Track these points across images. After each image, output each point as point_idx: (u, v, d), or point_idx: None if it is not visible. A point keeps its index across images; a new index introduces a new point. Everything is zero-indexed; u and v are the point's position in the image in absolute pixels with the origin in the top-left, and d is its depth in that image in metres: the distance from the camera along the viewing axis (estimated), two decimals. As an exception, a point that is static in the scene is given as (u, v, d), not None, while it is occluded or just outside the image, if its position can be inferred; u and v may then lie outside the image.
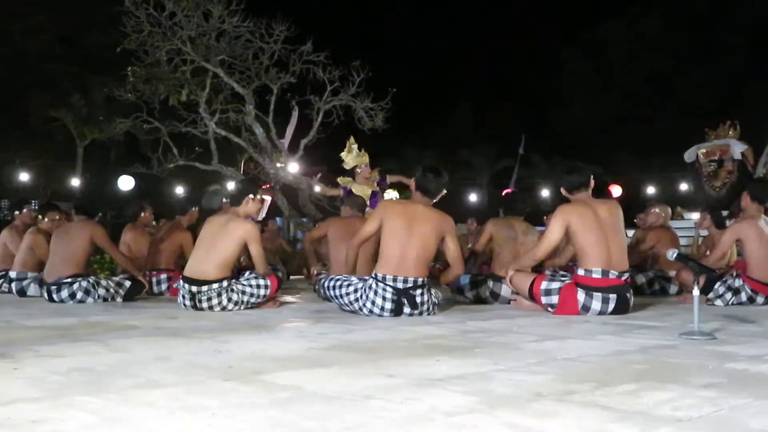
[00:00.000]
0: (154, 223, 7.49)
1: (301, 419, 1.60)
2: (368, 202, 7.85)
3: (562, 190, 4.52)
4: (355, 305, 4.29)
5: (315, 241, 6.41)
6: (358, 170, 8.26)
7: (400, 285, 4.15)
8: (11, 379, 2.13)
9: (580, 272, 4.27)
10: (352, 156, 8.32)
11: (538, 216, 8.10)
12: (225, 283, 4.62)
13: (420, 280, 4.20)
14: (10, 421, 1.58)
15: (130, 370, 2.29)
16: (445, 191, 4.49)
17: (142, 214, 6.93)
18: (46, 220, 6.40)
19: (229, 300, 4.63)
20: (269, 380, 2.09)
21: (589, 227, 4.24)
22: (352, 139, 8.53)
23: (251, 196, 4.89)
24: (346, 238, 5.47)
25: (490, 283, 5.19)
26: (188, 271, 4.69)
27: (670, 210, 7.18)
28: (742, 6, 23.56)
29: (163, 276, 6.40)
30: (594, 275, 4.20)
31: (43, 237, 6.22)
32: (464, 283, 5.26)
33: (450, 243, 4.40)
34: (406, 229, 4.20)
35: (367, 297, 4.21)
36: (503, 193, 5.74)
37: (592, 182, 4.47)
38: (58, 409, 1.71)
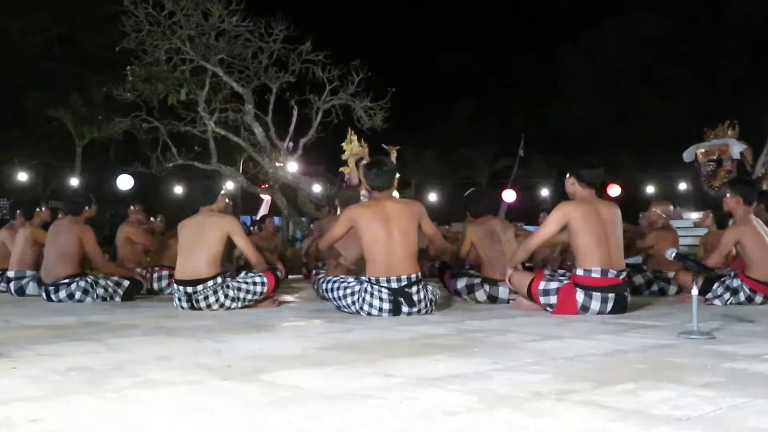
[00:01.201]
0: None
1: (300, 418, 1.60)
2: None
3: (576, 180, 4.43)
4: (353, 308, 4.29)
5: (312, 251, 6.42)
6: (365, 161, 8.31)
7: (394, 285, 4.15)
8: (10, 378, 2.13)
9: (579, 272, 4.27)
10: (352, 147, 8.37)
11: (535, 214, 8.11)
12: (219, 280, 4.61)
13: (414, 276, 4.20)
14: (8, 420, 1.58)
15: (128, 369, 2.29)
16: (398, 176, 4.48)
17: (131, 207, 7.05)
18: (43, 209, 6.44)
19: (226, 296, 4.63)
20: (268, 380, 2.09)
21: (591, 226, 4.24)
22: (351, 131, 8.56)
23: (222, 192, 5.08)
24: (342, 240, 5.47)
25: (487, 287, 5.17)
26: (180, 274, 4.69)
27: (671, 208, 7.15)
28: (741, 6, 23.59)
29: (165, 273, 6.41)
30: (593, 275, 4.20)
31: (40, 231, 6.22)
32: (460, 287, 5.25)
33: (425, 224, 4.46)
34: (385, 231, 4.20)
35: (363, 300, 4.21)
36: (466, 194, 5.63)
37: (599, 184, 4.50)
38: (57, 408, 1.71)
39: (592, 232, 4.23)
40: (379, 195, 4.41)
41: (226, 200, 5.22)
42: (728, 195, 5.28)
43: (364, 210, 4.39)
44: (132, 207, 7.08)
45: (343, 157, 8.52)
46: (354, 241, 5.26)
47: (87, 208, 5.82)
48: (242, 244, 4.81)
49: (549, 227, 4.43)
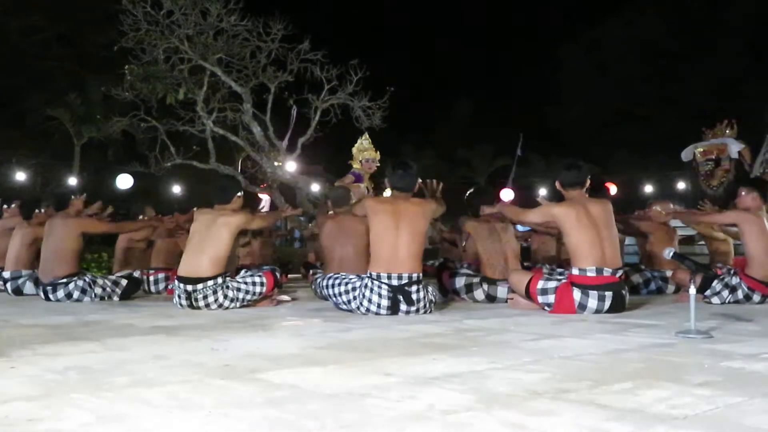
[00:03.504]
0: None
1: (298, 418, 1.61)
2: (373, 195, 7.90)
3: (557, 184, 4.57)
4: (352, 304, 4.30)
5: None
6: (375, 164, 8.30)
7: (394, 282, 4.17)
8: (8, 378, 2.13)
9: (575, 272, 4.29)
10: (357, 150, 8.35)
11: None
12: (220, 280, 4.61)
13: (415, 276, 4.22)
14: (6, 419, 1.58)
15: (126, 368, 2.29)
16: (420, 181, 4.54)
17: (141, 218, 6.94)
18: (43, 210, 6.41)
19: (225, 297, 4.63)
20: (266, 379, 2.09)
21: (582, 226, 4.27)
22: (365, 135, 8.55)
23: (239, 193, 5.01)
24: (339, 237, 5.50)
25: (485, 286, 5.18)
26: (182, 271, 4.69)
27: (671, 206, 7.17)
28: (741, 5, 23.61)
29: (161, 275, 6.39)
30: (588, 273, 4.22)
31: (40, 228, 6.17)
32: (459, 286, 5.25)
33: (437, 213, 4.64)
34: (394, 228, 4.25)
35: (363, 296, 4.22)
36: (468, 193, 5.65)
37: (588, 182, 4.52)
38: (55, 407, 1.71)
39: (584, 232, 4.27)
40: (398, 194, 4.46)
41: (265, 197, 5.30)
42: (743, 194, 5.34)
43: (378, 204, 4.48)
44: (142, 217, 6.93)
45: (355, 164, 8.49)
46: (347, 239, 5.30)
47: (73, 197, 5.76)
48: (261, 224, 5.16)
49: (531, 216, 4.72)
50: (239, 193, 5.01)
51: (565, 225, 4.34)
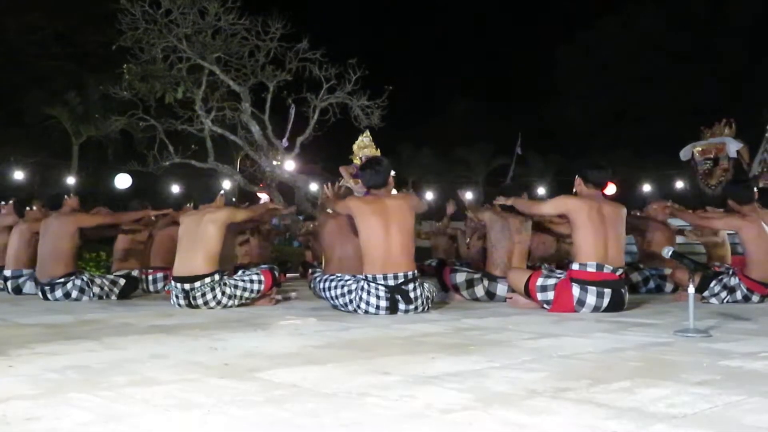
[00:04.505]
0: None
1: (297, 416, 1.61)
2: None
3: (579, 180, 4.53)
4: (350, 306, 4.29)
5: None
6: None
7: (391, 282, 4.16)
8: (6, 377, 2.13)
9: (575, 266, 4.30)
10: (357, 147, 8.35)
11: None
12: (217, 277, 4.62)
13: (410, 273, 4.22)
14: (5, 418, 1.58)
15: (125, 367, 2.29)
16: (393, 173, 4.55)
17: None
18: (35, 207, 6.41)
19: (223, 294, 4.63)
20: (265, 378, 2.09)
21: (592, 222, 4.28)
22: (366, 132, 8.54)
23: (221, 192, 5.23)
24: (340, 235, 5.49)
25: (486, 282, 5.19)
26: (177, 271, 4.70)
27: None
28: (740, 5, 23.64)
29: (159, 275, 6.37)
30: (589, 269, 4.23)
31: (36, 224, 6.16)
32: (459, 282, 5.26)
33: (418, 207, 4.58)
34: (383, 227, 4.23)
35: (360, 298, 4.21)
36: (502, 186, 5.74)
37: (607, 184, 4.57)
38: (54, 406, 1.70)
39: (592, 228, 4.27)
40: (376, 192, 4.44)
41: (233, 199, 5.39)
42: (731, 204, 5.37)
43: (364, 205, 4.41)
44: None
45: (355, 160, 8.49)
46: (348, 237, 5.30)
47: (67, 197, 5.78)
48: (245, 216, 5.10)
49: (544, 207, 4.70)
50: (221, 191, 5.23)
51: (576, 218, 4.34)
